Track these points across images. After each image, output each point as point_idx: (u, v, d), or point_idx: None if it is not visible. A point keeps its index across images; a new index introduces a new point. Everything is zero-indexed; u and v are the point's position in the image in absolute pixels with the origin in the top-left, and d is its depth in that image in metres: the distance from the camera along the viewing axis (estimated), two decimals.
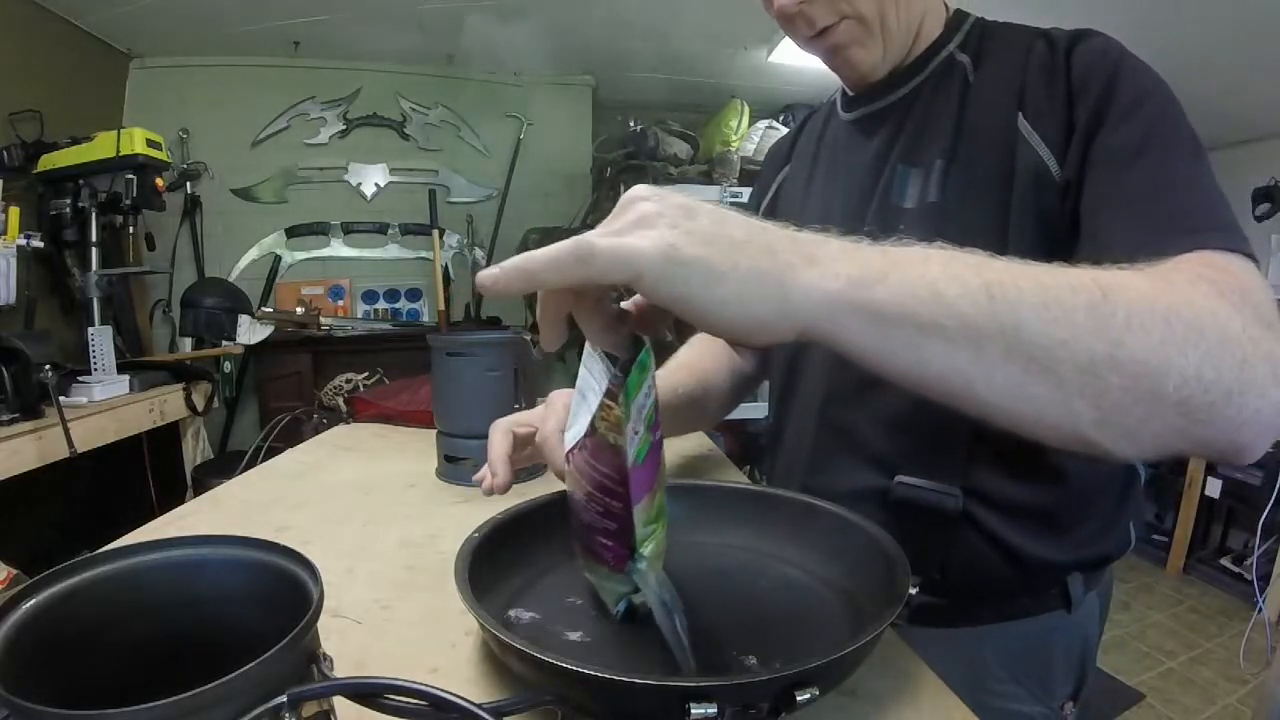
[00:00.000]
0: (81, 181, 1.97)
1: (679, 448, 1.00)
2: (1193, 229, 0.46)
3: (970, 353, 0.35)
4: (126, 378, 1.91)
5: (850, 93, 0.73)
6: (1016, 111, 0.58)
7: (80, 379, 1.80)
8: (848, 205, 0.69)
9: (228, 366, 2.63)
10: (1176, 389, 0.35)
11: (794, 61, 2.76)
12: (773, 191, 0.85)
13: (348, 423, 1.30)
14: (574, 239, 0.34)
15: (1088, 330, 0.35)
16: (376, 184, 3.04)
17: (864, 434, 0.65)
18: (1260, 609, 2.35)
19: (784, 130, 2.78)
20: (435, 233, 2.99)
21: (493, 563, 0.52)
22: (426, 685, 0.31)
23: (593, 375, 0.43)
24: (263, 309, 2.68)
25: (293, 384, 2.60)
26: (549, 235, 2.75)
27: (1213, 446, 0.38)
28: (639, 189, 0.37)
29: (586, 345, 0.44)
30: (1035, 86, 0.58)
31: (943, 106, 0.63)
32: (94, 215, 1.98)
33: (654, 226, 0.34)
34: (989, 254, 0.37)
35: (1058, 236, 0.55)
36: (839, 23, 0.61)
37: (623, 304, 0.47)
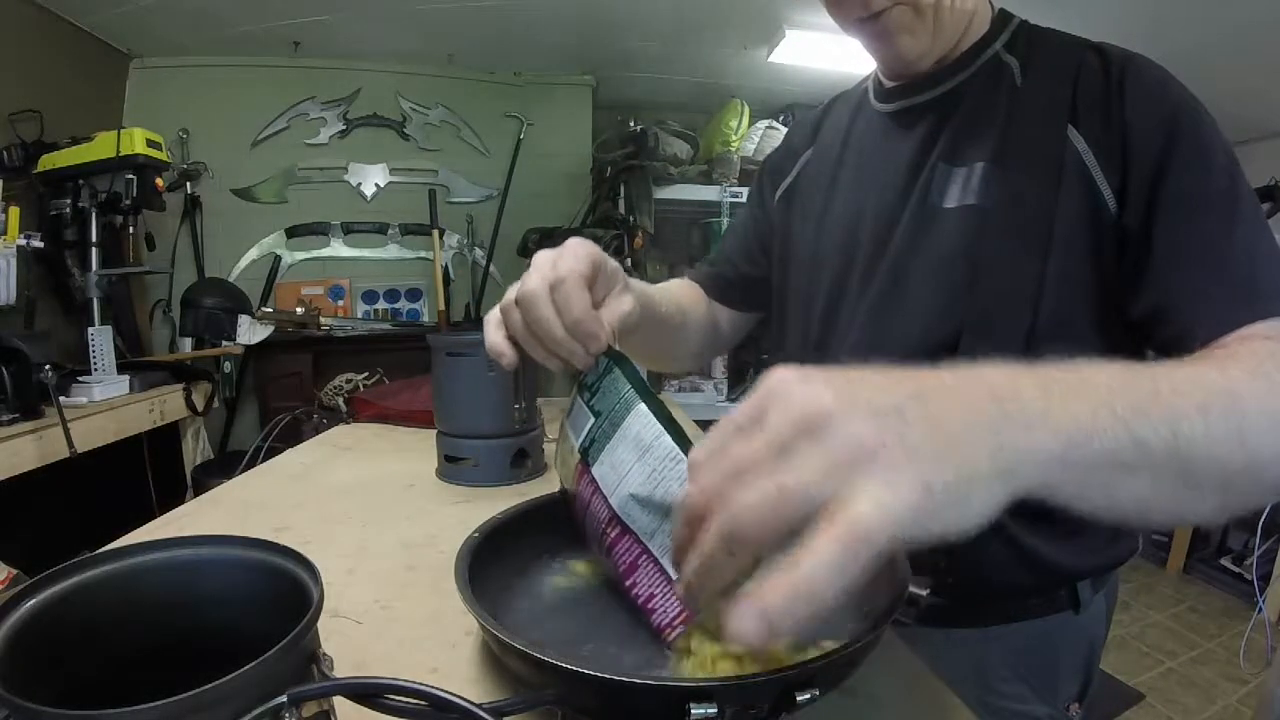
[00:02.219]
0: (81, 181, 1.96)
1: None
2: (1260, 296, 0.50)
3: (1149, 482, 0.36)
4: (126, 378, 1.90)
5: (888, 83, 0.71)
6: (1068, 122, 0.57)
7: (80, 379, 1.80)
8: (882, 199, 0.67)
9: (228, 366, 2.63)
10: (1273, 478, 0.40)
11: (794, 61, 2.76)
12: (793, 176, 0.82)
13: (348, 423, 1.30)
14: (839, 539, 0.26)
15: (1235, 450, 0.38)
16: (376, 184, 3.03)
17: None
18: (1260, 609, 2.35)
19: (784, 130, 2.79)
20: (435, 233, 2.98)
21: (493, 563, 0.52)
22: (426, 685, 0.31)
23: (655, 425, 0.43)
24: (263, 309, 2.67)
25: (293, 384, 2.59)
26: (549, 235, 2.75)
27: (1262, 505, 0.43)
28: (797, 389, 0.29)
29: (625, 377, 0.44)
30: (1087, 101, 0.57)
31: (989, 107, 0.62)
32: (94, 215, 1.97)
33: (895, 468, 0.27)
34: (1136, 368, 0.38)
35: (1101, 260, 0.56)
36: (893, 7, 0.59)
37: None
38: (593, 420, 0.46)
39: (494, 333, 0.50)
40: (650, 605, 0.44)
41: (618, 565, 0.46)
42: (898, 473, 0.27)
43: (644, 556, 0.44)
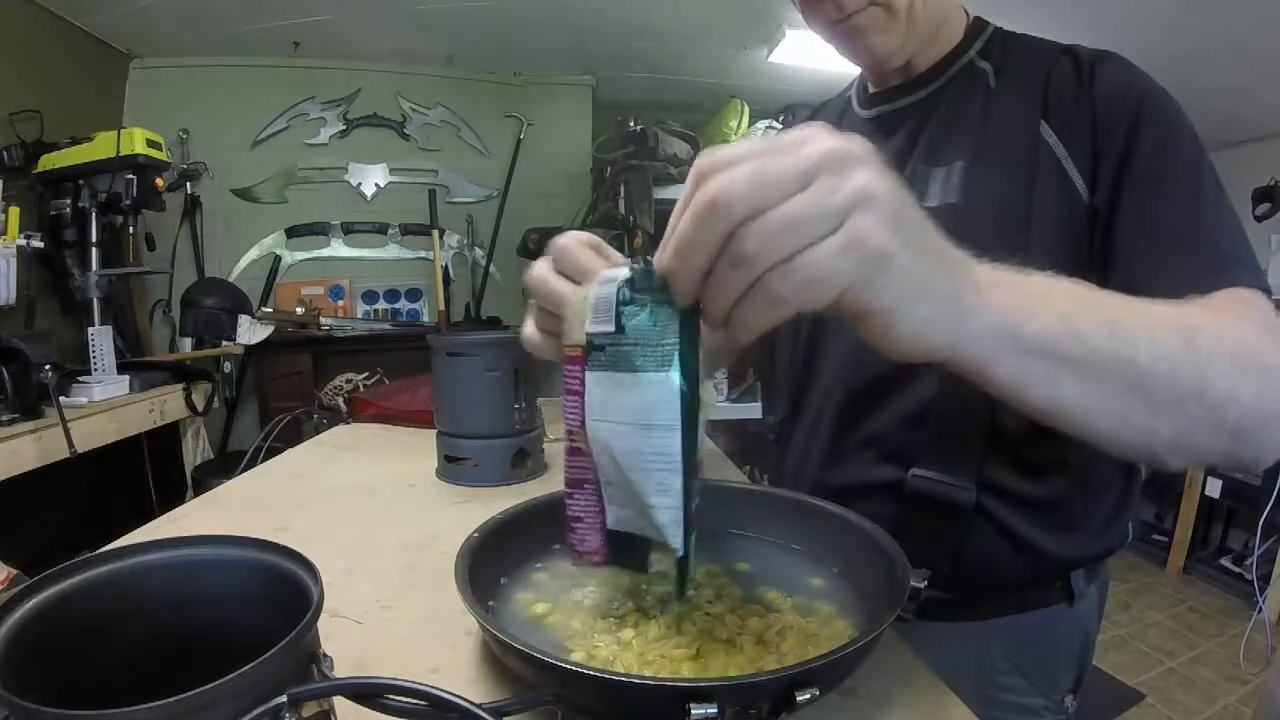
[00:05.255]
0: (81, 181, 1.96)
1: None
2: (1223, 267, 0.51)
3: (1095, 385, 0.38)
4: (126, 378, 1.90)
5: (870, 89, 0.73)
6: (1040, 119, 0.59)
7: (80, 379, 1.80)
8: None
9: (228, 366, 2.63)
10: (1234, 419, 0.41)
11: (794, 61, 2.76)
12: None
13: (348, 423, 1.30)
14: (838, 248, 0.30)
15: (1183, 366, 0.39)
16: (376, 184, 3.03)
17: (881, 428, 0.66)
18: (1260, 609, 2.35)
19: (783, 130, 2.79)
20: (435, 233, 2.98)
21: (493, 563, 0.52)
22: (426, 685, 0.31)
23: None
24: (263, 309, 2.67)
25: (293, 384, 2.59)
26: (549, 235, 2.74)
27: (1241, 461, 0.44)
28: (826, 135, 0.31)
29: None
30: (1059, 98, 0.59)
31: (965, 110, 0.64)
32: (94, 215, 1.97)
33: (901, 276, 0.32)
34: (1085, 284, 0.40)
35: (1080, 249, 0.58)
36: (866, 7, 0.61)
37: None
38: (614, 329, 0.37)
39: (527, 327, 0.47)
40: (576, 526, 0.43)
41: (568, 467, 0.42)
42: (884, 236, 0.31)
43: (591, 486, 0.41)
